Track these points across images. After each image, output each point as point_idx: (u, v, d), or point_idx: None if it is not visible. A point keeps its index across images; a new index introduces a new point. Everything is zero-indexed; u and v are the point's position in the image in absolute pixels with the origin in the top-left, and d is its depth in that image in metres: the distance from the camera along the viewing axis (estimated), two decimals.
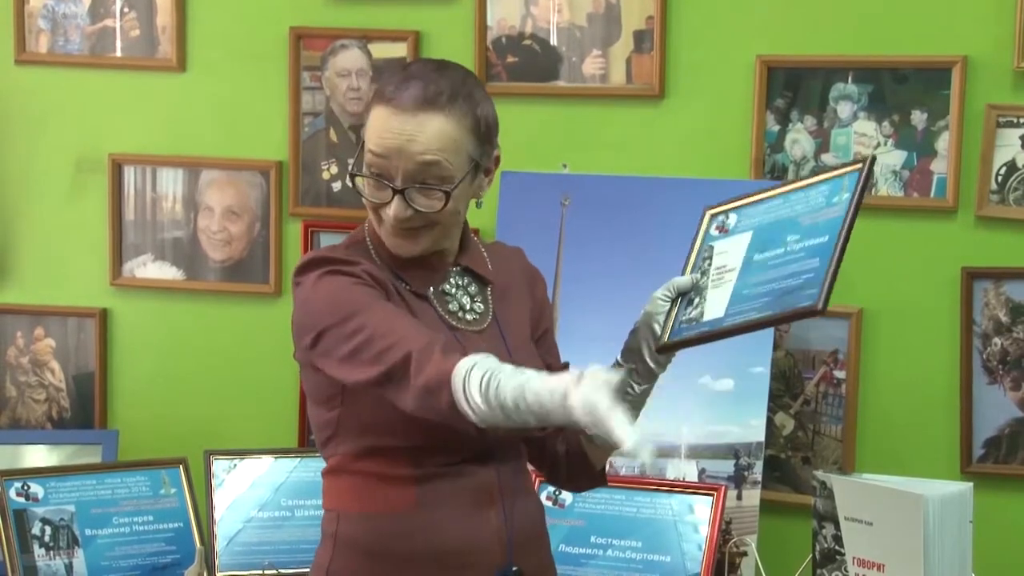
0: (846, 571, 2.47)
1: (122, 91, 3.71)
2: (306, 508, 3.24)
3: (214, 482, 3.27)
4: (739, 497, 3.17)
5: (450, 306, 2.23)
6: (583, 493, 3.01)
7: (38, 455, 3.56)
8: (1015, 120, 3.18)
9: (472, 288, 2.27)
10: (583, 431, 2.07)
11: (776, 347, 3.26)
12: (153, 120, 3.71)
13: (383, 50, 3.49)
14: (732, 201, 2.26)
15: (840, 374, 3.31)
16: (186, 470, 3.33)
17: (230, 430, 3.65)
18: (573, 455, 2.31)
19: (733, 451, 3.18)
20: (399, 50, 3.47)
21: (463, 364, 1.98)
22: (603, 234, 3.32)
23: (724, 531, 3.07)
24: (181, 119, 3.69)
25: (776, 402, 3.33)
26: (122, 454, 3.56)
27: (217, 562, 3.22)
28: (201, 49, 3.67)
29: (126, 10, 3.68)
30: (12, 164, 3.77)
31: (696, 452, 3.20)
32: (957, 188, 3.23)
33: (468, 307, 2.25)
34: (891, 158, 3.27)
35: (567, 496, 3.06)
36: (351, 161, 3.06)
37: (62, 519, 3.17)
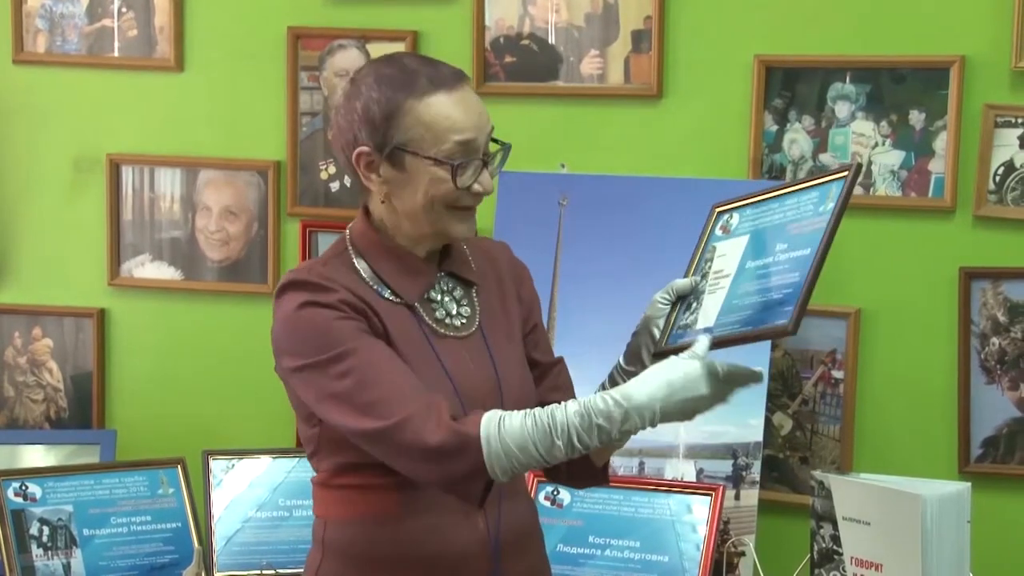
0: (844, 571, 2.47)
1: (120, 91, 3.71)
2: (304, 508, 3.24)
3: (212, 482, 3.27)
4: (737, 497, 3.17)
5: (436, 314, 2.22)
6: (581, 493, 3.01)
7: (36, 455, 3.56)
8: (1013, 120, 3.18)
9: (457, 292, 2.26)
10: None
11: (774, 347, 3.26)
12: (151, 120, 3.71)
13: (381, 50, 3.47)
14: (738, 200, 2.26)
15: (838, 374, 3.31)
16: (184, 470, 3.33)
17: (228, 430, 3.65)
18: None
19: (731, 451, 3.18)
20: (397, 50, 3.47)
21: (490, 416, 2.03)
22: (601, 234, 3.32)
23: (722, 531, 3.07)
24: (179, 119, 3.69)
25: (774, 402, 3.33)
26: (120, 454, 3.56)
27: (215, 562, 3.22)
28: (199, 49, 3.67)
29: (124, 10, 3.68)
30: (10, 164, 3.77)
31: (694, 452, 3.20)
32: (955, 188, 3.23)
33: (455, 312, 2.24)
34: (889, 158, 3.27)
35: (565, 496, 3.06)
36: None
37: (60, 519, 3.17)
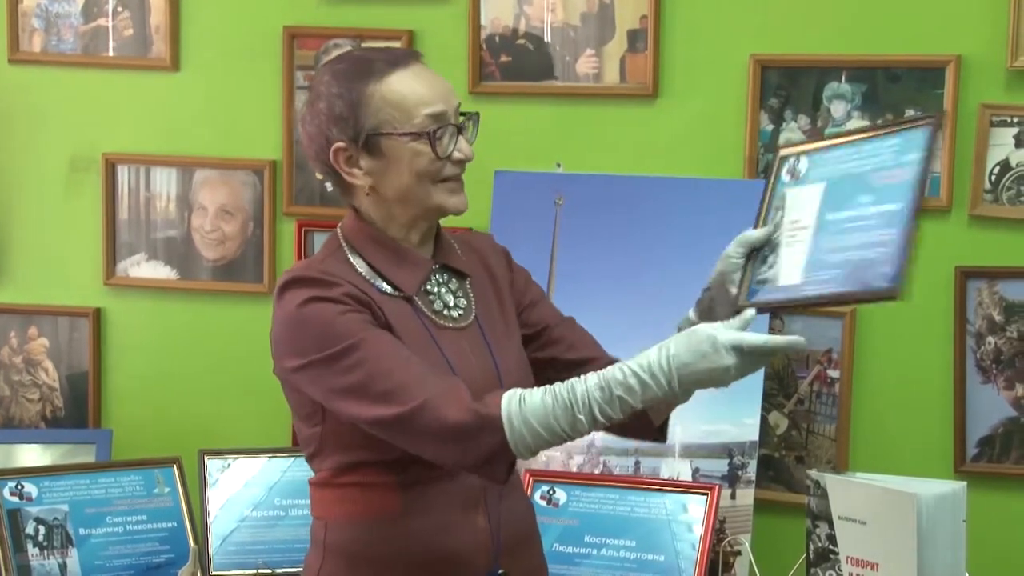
0: (840, 570, 2.47)
1: (116, 90, 3.71)
2: (300, 508, 3.24)
3: (208, 481, 3.27)
4: (733, 496, 3.17)
5: (435, 305, 2.23)
6: (577, 492, 3.02)
7: (32, 454, 3.56)
8: (1008, 119, 3.18)
9: (453, 284, 2.27)
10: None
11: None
12: (147, 119, 3.71)
13: None
14: (805, 143, 2.17)
15: (834, 373, 3.32)
16: (180, 469, 3.33)
17: (224, 430, 3.64)
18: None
19: (727, 450, 3.18)
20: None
21: (511, 395, 2.02)
22: (597, 233, 3.32)
23: (718, 530, 3.07)
24: (175, 118, 3.69)
25: (770, 401, 3.34)
26: (116, 454, 3.56)
27: (211, 561, 3.22)
28: (195, 48, 3.67)
29: (119, 9, 3.68)
30: (6, 163, 3.77)
31: (690, 451, 3.20)
32: (951, 187, 3.23)
33: (452, 304, 2.25)
34: None
35: (561, 495, 3.06)
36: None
37: (56, 518, 3.17)
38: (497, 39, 3.49)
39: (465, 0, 3.48)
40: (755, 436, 3.19)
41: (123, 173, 3.72)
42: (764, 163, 3.33)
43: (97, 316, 3.75)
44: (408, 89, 2.14)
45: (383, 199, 2.19)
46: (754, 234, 2.12)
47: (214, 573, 3.21)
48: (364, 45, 2.30)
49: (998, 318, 3.23)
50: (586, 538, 3.03)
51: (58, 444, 3.60)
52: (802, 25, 3.31)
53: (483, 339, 2.24)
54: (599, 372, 2.02)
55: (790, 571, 2.90)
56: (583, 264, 3.31)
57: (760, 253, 2.10)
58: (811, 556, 2.55)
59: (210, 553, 3.22)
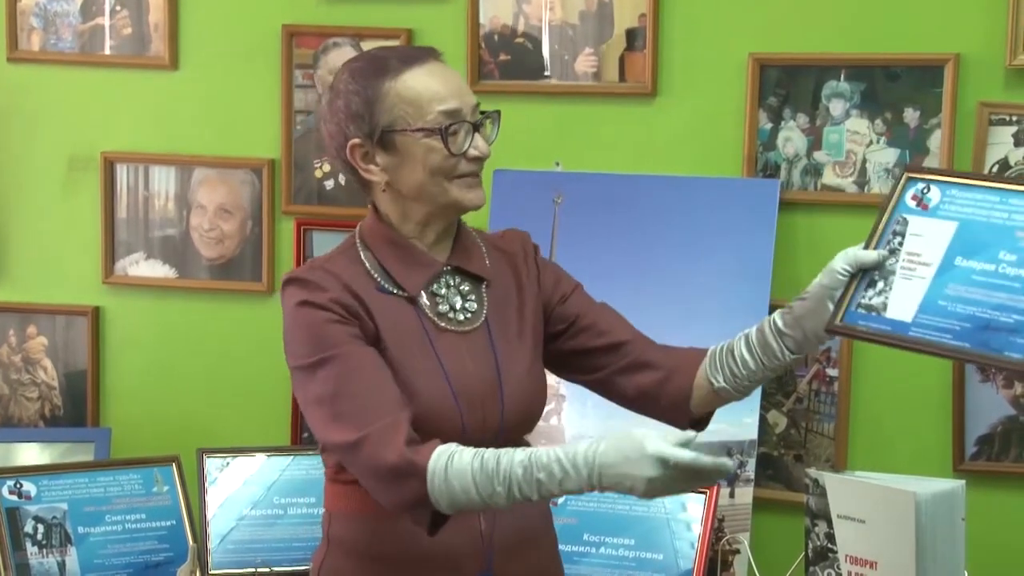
0: (839, 569, 2.47)
1: (114, 89, 3.71)
2: (299, 506, 3.24)
3: (207, 480, 3.27)
4: (732, 495, 3.17)
5: (440, 307, 2.23)
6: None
7: (30, 453, 3.56)
8: (1007, 118, 3.18)
9: (465, 287, 2.26)
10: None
11: None
12: (145, 118, 3.70)
13: None
14: (937, 171, 2.03)
15: (833, 372, 3.32)
16: (179, 468, 3.32)
17: (223, 428, 3.64)
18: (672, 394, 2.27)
19: (726, 449, 3.18)
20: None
21: (442, 451, 2.01)
22: (596, 232, 3.32)
23: (717, 529, 3.07)
24: (173, 117, 3.69)
25: (769, 400, 3.34)
26: (115, 452, 3.56)
27: (210, 560, 3.21)
28: (193, 47, 3.66)
29: (118, 8, 3.68)
30: (4, 162, 3.77)
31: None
32: None
33: (460, 307, 2.24)
34: (884, 156, 3.27)
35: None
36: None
37: (55, 517, 3.16)
38: (496, 38, 3.49)
39: None
40: (754, 435, 3.19)
41: (122, 172, 3.72)
42: (763, 162, 3.33)
43: (96, 315, 3.75)
44: (422, 86, 2.15)
45: (399, 195, 2.20)
46: (868, 255, 2.05)
47: (213, 572, 3.21)
48: (375, 46, 2.31)
49: None
50: (585, 536, 3.02)
51: (57, 443, 3.60)
52: (801, 24, 3.31)
53: (489, 344, 2.23)
54: (530, 450, 2.00)
55: (789, 570, 2.90)
56: (582, 263, 3.28)
57: (868, 275, 2.00)
58: (810, 555, 2.55)
59: (209, 552, 3.22)
